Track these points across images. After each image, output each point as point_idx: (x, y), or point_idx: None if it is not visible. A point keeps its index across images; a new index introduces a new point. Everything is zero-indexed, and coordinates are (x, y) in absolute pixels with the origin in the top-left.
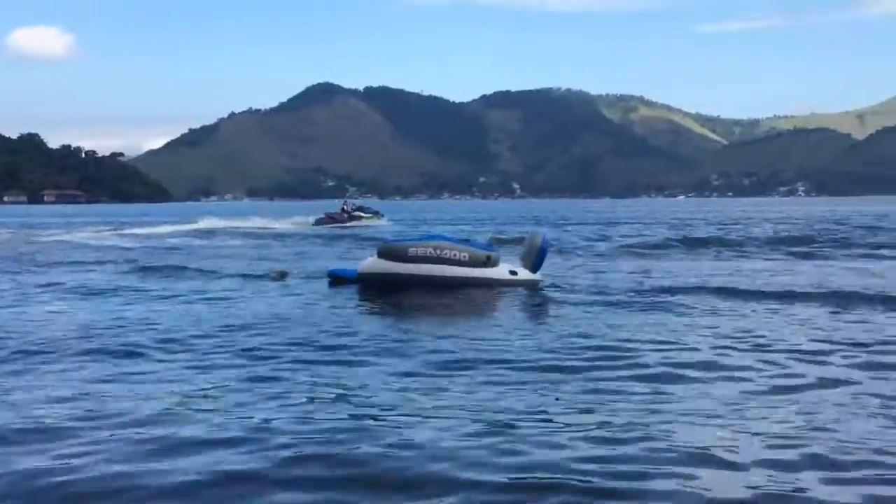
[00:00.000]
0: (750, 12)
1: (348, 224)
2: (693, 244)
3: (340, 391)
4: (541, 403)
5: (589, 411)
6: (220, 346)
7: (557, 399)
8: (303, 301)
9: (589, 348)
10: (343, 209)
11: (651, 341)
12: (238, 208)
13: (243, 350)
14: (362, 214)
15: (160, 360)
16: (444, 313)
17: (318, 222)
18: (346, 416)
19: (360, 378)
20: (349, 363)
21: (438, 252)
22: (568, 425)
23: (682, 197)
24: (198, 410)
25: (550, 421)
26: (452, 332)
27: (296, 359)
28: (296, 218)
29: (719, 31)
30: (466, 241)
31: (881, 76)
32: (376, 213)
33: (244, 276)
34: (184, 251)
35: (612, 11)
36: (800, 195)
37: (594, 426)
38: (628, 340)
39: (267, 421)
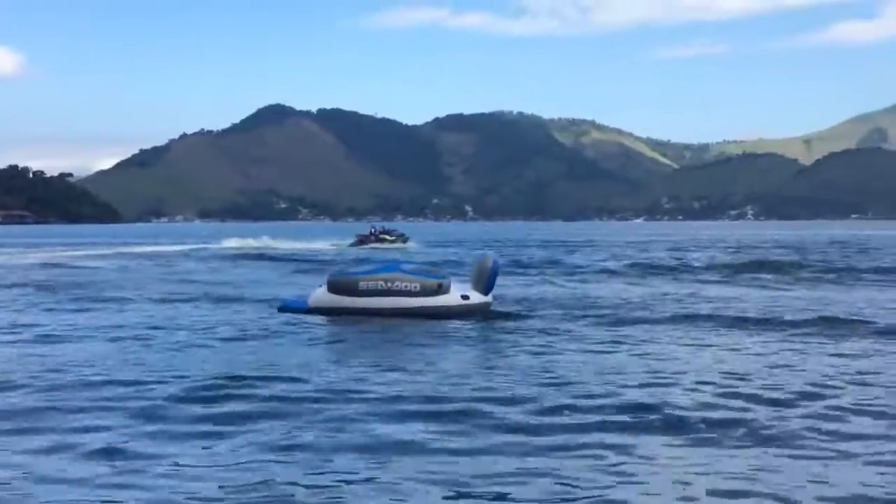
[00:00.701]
0: (699, 39)
1: (376, 245)
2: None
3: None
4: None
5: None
6: None
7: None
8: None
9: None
10: (371, 232)
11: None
12: (190, 230)
13: None
14: (387, 237)
15: None
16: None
17: (354, 244)
18: None
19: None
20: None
21: (390, 284)
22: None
23: (639, 220)
24: None
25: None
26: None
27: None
28: (333, 240)
29: (669, 57)
30: (415, 267)
31: (827, 103)
32: (401, 236)
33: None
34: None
35: (567, 36)
36: (749, 219)
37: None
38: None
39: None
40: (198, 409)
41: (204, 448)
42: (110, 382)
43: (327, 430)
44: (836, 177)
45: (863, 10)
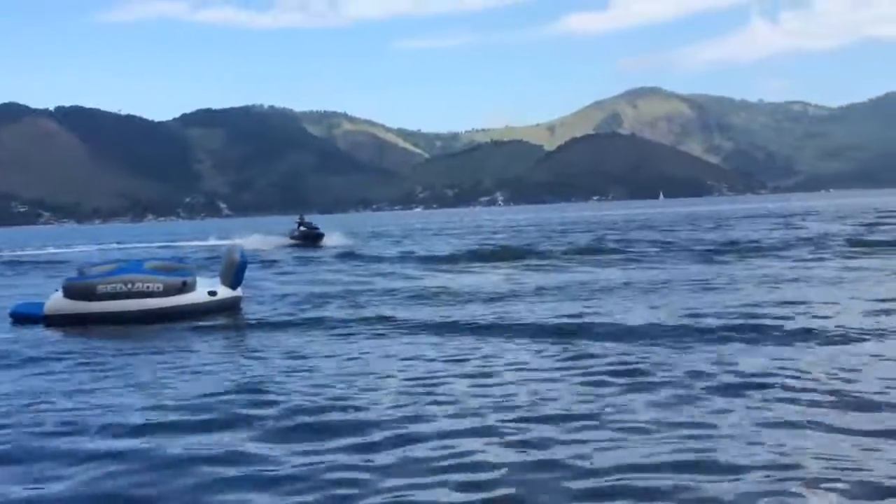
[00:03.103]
0: (446, 31)
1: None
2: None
3: None
4: None
5: None
6: None
7: None
8: None
9: None
10: (299, 224)
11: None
12: None
13: None
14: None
15: None
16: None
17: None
18: None
19: None
20: None
21: (130, 286)
22: None
23: (419, 209)
24: None
25: None
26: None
27: None
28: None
29: (417, 49)
30: (158, 264)
31: (567, 91)
32: (307, 231)
33: None
34: None
35: (316, 29)
36: (500, 205)
37: None
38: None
39: None
40: None
41: None
42: None
43: None
44: (576, 160)
45: (595, 3)
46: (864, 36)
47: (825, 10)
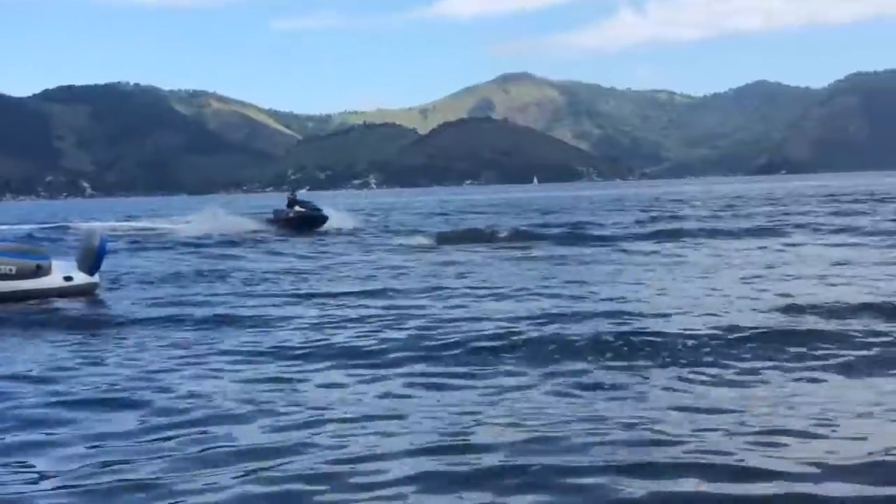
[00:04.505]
0: (317, 11)
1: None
2: None
3: None
4: None
5: None
6: None
7: None
8: None
9: None
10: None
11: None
12: None
13: None
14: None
15: None
16: None
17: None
18: None
19: None
20: None
21: None
22: None
23: (303, 190)
24: None
25: None
26: None
27: None
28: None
29: (289, 29)
30: (11, 246)
31: (439, 75)
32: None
33: None
34: None
35: (184, 7)
36: (372, 187)
37: None
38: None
39: None
40: None
41: None
42: None
43: None
44: (449, 145)
45: None
46: (726, 27)
47: (689, 2)
